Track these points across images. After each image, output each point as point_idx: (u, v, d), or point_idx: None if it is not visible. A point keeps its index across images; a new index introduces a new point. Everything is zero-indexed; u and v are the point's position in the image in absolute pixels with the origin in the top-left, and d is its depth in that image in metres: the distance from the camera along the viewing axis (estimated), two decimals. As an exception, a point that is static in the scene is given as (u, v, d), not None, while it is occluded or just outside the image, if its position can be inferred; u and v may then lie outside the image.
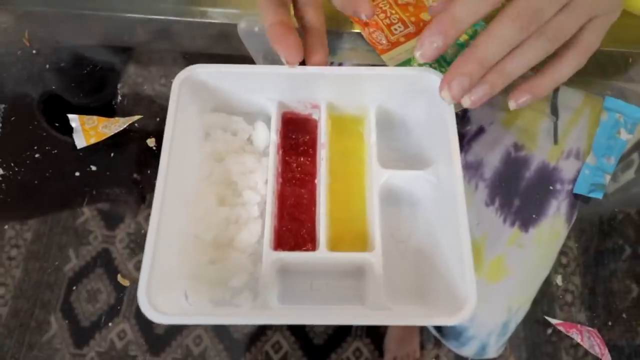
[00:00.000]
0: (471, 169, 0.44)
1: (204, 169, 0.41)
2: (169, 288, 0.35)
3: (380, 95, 0.41)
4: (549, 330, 0.40)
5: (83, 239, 0.43)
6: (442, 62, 0.45)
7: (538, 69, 0.37)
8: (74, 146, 0.44)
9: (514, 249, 0.42)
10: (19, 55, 0.48)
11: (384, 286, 0.35)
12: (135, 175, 0.44)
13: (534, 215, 0.43)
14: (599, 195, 0.43)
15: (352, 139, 0.42)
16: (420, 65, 0.39)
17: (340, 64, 0.48)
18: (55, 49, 0.49)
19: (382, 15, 0.47)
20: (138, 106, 0.47)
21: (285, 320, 0.35)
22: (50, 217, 0.43)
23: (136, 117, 0.45)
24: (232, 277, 0.37)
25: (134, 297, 0.32)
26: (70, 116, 0.44)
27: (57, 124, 0.45)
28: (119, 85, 0.48)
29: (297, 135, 0.42)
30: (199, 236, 0.38)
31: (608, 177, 0.44)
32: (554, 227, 0.43)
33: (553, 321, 0.40)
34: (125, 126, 0.44)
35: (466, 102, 0.36)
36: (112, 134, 0.44)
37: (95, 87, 0.48)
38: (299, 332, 0.40)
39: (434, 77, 0.38)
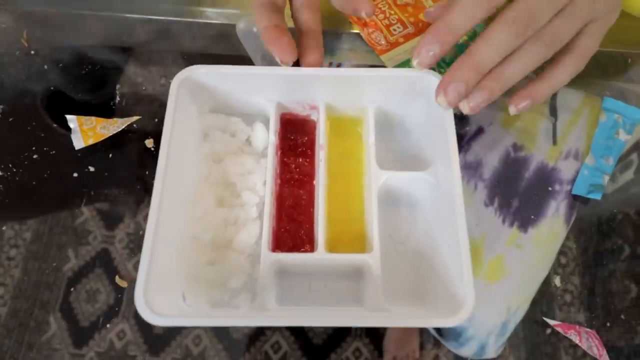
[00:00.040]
0: (470, 169, 0.44)
1: (202, 170, 0.41)
2: (167, 289, 0.35)
3: (379, 97, 0.41)
4: (548, 330, 0.40)
5: (82, 239, 0.43)
6: (440, 63, 0.45)
7: (537, 73, 0.38)
8: (72, 147, 0.44)
9: (513, 249, 0.42)
10: (18, 55, 0.48)
11: (383, 287, 0.35)
12: (133, 176, 0.44)
13: (532, 216, 0.43)
14: (597, 196, 0.43)
15: (351, 140, 0.42)
16: None
17: (339, 64, 0.48)
18: (54, 49, 0.49)
19: (381, 16, 0.47)
20: (137, 107, 0.47)
21: (283, 322, 0.35)
22: (50, 217, 0.43)
23: (135, 118, 0.45)
24: (231, 278, 0.37)
25: (133, 297, 0.32)
26: (68, 117, 0.44)
27: (55, 125, 0.45)
28: (117, 86, 0.48)
29: (295, 136, 0.42)
30: (197, 237, 0.38)
31: (607, 178, 0.44)
32: (552, 228, 0.43)
33: (551, 322, 0.40)
34: (123, 127, 0.44)
35: (465, 109, 0.36)
36: (111, 134, 0.44)
37: (93, 88, 0.48)
38: (298, 332, 0.40)
39: (432, 79, 0.38)
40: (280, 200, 0.40)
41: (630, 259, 0.43)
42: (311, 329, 0.41)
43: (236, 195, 0.40)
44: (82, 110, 0.45)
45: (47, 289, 0.41)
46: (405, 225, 0.41)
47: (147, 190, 0.35)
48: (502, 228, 0.42)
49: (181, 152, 0.38)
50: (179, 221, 0.38)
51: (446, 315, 0.32)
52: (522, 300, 0.40)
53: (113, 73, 0.48)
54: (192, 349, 0.40)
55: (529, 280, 0.41)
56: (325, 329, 0.41)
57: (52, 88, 0.47)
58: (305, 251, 0.38)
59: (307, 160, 0.41)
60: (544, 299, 0.41)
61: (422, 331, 0.40)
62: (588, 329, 0.40)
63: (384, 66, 0.46)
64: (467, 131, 0.45)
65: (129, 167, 0.44)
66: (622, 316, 0.41)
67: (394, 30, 0.47)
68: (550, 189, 0.44)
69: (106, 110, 0.46)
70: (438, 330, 0.40)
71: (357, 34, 0.48)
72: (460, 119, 0.45)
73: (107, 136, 0.44)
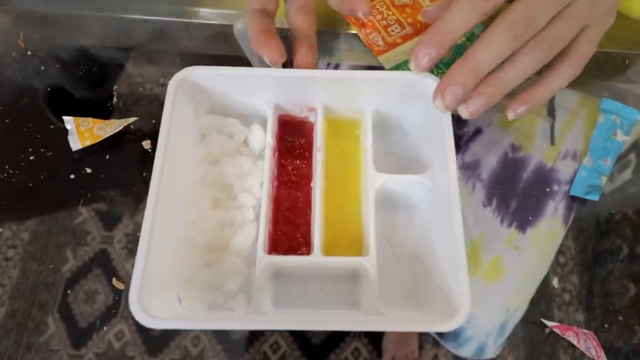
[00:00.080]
0: (468, 170, 0.44)
1: (198, 171, 0.41)
2: (162, 291, 0.35)
3: (377, 99, 0.41)
4: (547, 330, 0.40)
5: (81, 240, 0.43)
6: (439, 64, 0.45)
7: (535, 77, 0.37)
8: (69, 148, 0.43)
9: (512, 250, 0.42)
10: (14, 56, 0.48)
11: (379, 291, 0.35)
12: (131, 178, 0.44)
13: (530, 216, 0.43)
14: (595, 198, 0.43)
15: (348, 142, 0.42)
16: None
17: (337, 65, 0.47)
18: (51, 50, 0.49)
19: (378, 17, 0.47)
20: (134, 107, 0.46)
21: (279, 326, 0.35)
22: (48, 218, 0.43)
23: (132, 119, 0.45)
24: (227, 280, 0.37)
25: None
26: (65, 118, 0.44)
27: (52, 126, 0.45)
28: (115, 87, 0.47)
29: (293, 138, 0.42)
30: (193, 239, 0.38)
31: (604, 179, 0.44)
32: (551, 228, 0.43)
33: (549, 324, 0.40)
34: (120, 128, 0.44)
35: (464, 114, 0.36)
36: (108, 136, 0.43)
37: (91, 88, 0.48)
38: (297, 333, 0.40)
39: (430, 81, 0.38)
40: (277, 203, 0.39)
41: (628, 259, 0.43)
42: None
43: (233, 197, 0.40)
44: (79, 111, 0.45)
45: (45, 290, 0.41)
46: (402, 228, 0.41)
47: (146, 191, 0.35)
48: (500, 228, 0.42)
49: (178, 153, 0.38)
50: (174, 223, 0.38)
51: (442, 319, 0.32)
52: (520, 301, 0.41)
53: (110, 74, 0.48)
54: (191, 349, 0.40)
55: (528, 280, 0.41)
56: (324, 329, 0.41)
57: (48, 89, 0.47)
58: (302, 254, 0.37)
59: (305, 162, 0.41)
60: (543, 299, 0.41)
61: (421, 332, 0.40)
62: (586, 330, 0.40)
63: (382, 67, 0.46)
64: (465, 132, 0.45)
65: (127, 168, 0.44)
66: (620, 316, 0.41)
67: (392, 31, 0.47)
68: (548, 189, 0.44)
69: (103, 111, 0.46)
70: (437, 330, 0.40)
71: (355, 34, 0.48)
72: (459, 120, 0.45)
73: (104, 137, 0.43)
